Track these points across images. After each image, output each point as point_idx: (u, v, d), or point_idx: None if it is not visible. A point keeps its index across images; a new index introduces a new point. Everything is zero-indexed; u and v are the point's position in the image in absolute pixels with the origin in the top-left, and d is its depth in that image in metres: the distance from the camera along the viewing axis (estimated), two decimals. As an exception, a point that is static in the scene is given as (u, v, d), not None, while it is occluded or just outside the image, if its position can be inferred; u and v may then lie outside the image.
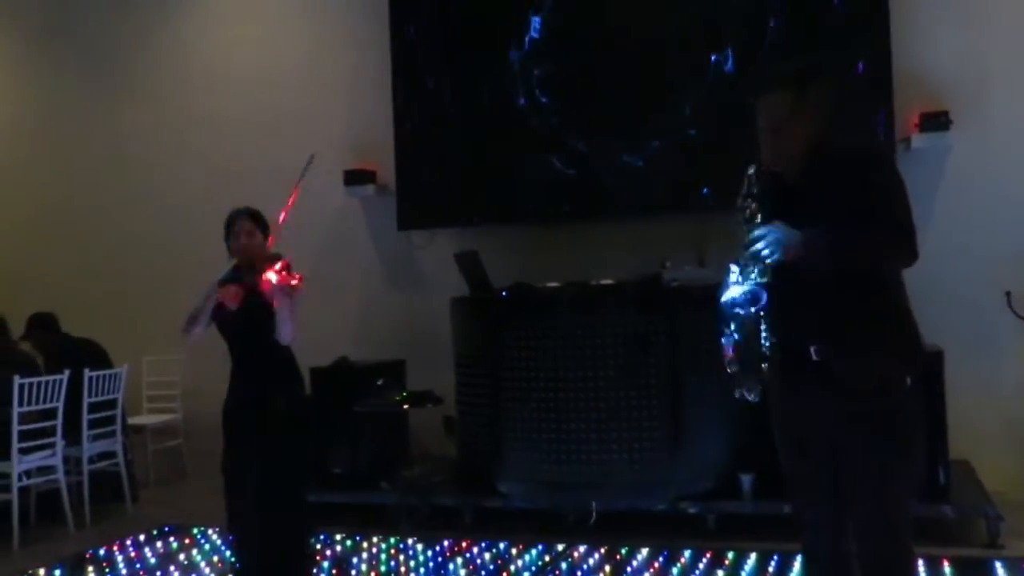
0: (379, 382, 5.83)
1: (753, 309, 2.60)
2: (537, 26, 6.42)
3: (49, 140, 8.26)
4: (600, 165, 6.23)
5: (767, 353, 2.64)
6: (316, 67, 7.32)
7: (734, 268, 2.63)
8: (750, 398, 2.67)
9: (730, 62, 6.04)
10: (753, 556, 4.70)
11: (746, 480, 5.09)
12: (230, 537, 4.17)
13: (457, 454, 6.09)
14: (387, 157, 6.85)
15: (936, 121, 5.72)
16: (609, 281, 5.56)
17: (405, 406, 5.42)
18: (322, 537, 5.30)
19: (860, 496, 2.70)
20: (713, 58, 6.04)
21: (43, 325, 6.48)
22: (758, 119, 2.77)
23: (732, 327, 2.62)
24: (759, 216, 2.64)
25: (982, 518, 4.84)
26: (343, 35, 7.24)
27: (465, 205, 6.62)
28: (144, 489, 6.79)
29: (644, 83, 6.18)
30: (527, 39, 6.44)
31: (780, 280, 2.62)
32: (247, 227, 4.07)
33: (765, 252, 2.57)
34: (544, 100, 6.41)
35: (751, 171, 2.72)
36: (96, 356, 6.42)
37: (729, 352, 2.63)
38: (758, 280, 2.58)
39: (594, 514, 5.15)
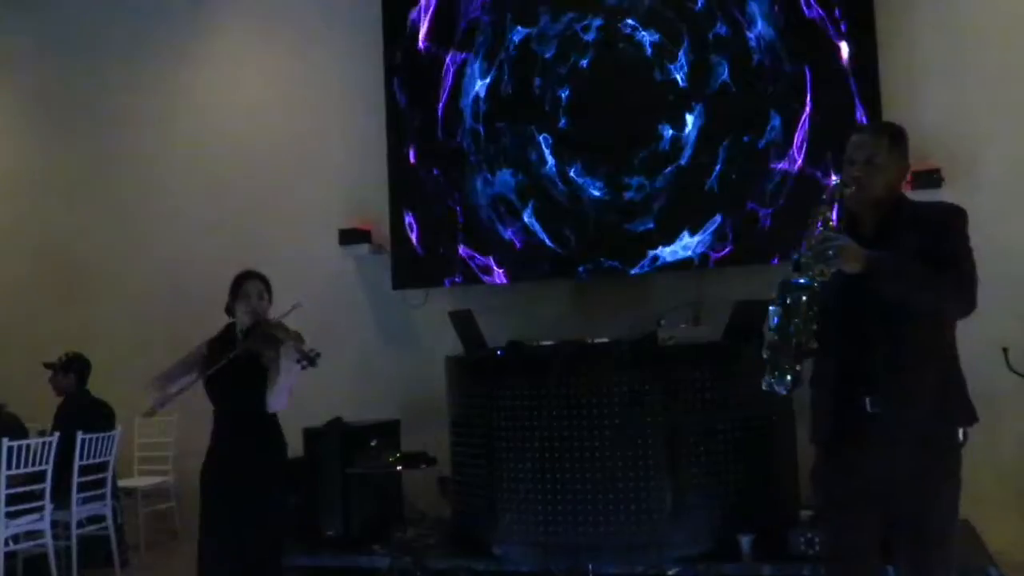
0: (372, 443, 5.78)
1: (803, 297, 2.66)
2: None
3: (50, 194, 8.25)
4: (593, 222, 6.26)
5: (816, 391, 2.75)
6: (312, 126, 7.36)
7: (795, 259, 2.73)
8: (778, 390, 2.72)
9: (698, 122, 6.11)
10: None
11: (745, 541, 5.01)
12: None
13: (452, 515, 6.01)
14: (382, 216, 6.87)
15: (928, 178, 5.74)
16: (604, 339, 5.54)
17: (398, 467, 5.37)
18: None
19: (913, 553, 2.77)
20: (689, 116, 6.11)
21: (79, 371, 6.40)
22: (853, 154, 2.88)
23: (784, 299, 2.69)
24: (830, 223, 2.75)
25: (986, 579, 4.75)
26: (339, 94, 7.30)
27: (459, 265, 6.62)
28: (134, 553, 6.67)
29: (631, 135, 6.25)
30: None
31: (839, 328, 2.73)
32: (258, 288, 4.06)
33: (831, 252, 2.65)
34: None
35: (836, 183, 2.84)
36: (105, 420, 6.34)
37: (774, 322, 2.69)
38: (817, 279, 2.67)
39: (591, 577, 5.07)
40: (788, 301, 2.69)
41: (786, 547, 4.98)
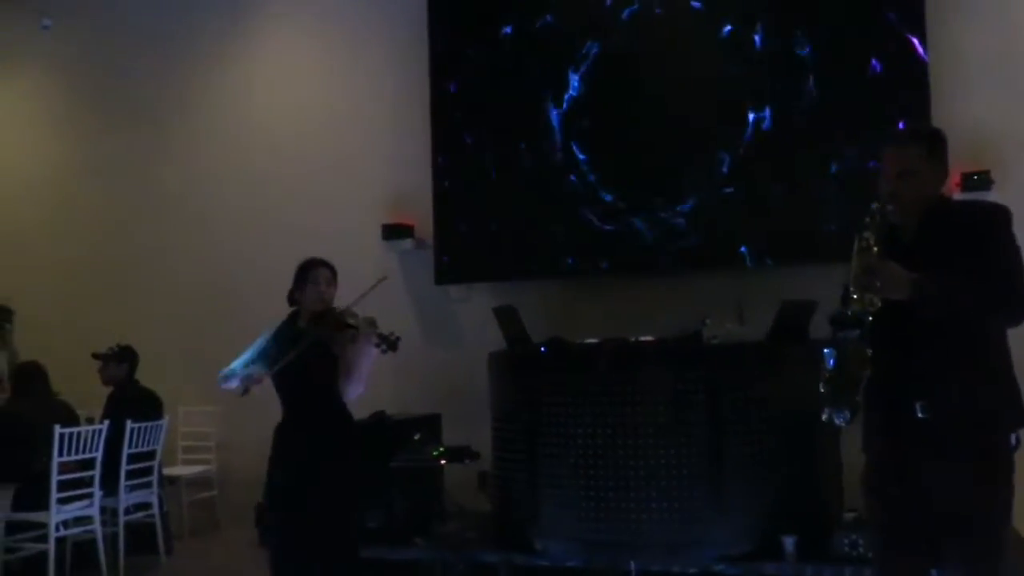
0: (416, 436, 5.81)
1: (855, 333, 2.68)
2: (576, 84, 6.51)
3: (97, 187, 8.39)
4: (638, 221, 6.26)
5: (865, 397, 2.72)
6: (355, 121, 7.44)
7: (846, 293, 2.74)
8: (838, 422, 2.75)
9: (768, 120, 6.09)
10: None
11: (789, 542, 4.99)
12: None
13: (492, 510, 6.04)
14: (425, 211, 6.92)
15: (977, 180, 5.70)
16: (649, 338, 5.54)
17: (442, 461, 5.41)
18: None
19: (962, 559, 2.76)
20: (752, 116, 6.09)
21: (131, 361, 6.54)
22: (886, 167, 2.88)
23: (837, 338, 2.72)
24: (875, 248, 2.73)
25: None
26: (382, 89, 7.37)
27: (503, 259, 6.65)
28: (178, 541, 6.77)
29: (682, 140, 6.25)
30: (566, 96, 6.53)
31: (887, 334, 2.71)
32: (326, 276, 3.97)
33: (878, 284, 2.67)
34: (582, 156, 6.48)
35: (875, 206, 2.81)
36: (154, 409, 6.44)
37: (830, 364, 2.71)
38: (865, 308, 2.68)
39: (632, 574, 5.08)
40: (841, 340, 2.71)
41: (829, 549, 4.97)
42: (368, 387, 3.95)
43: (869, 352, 2.71)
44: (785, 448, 5.19)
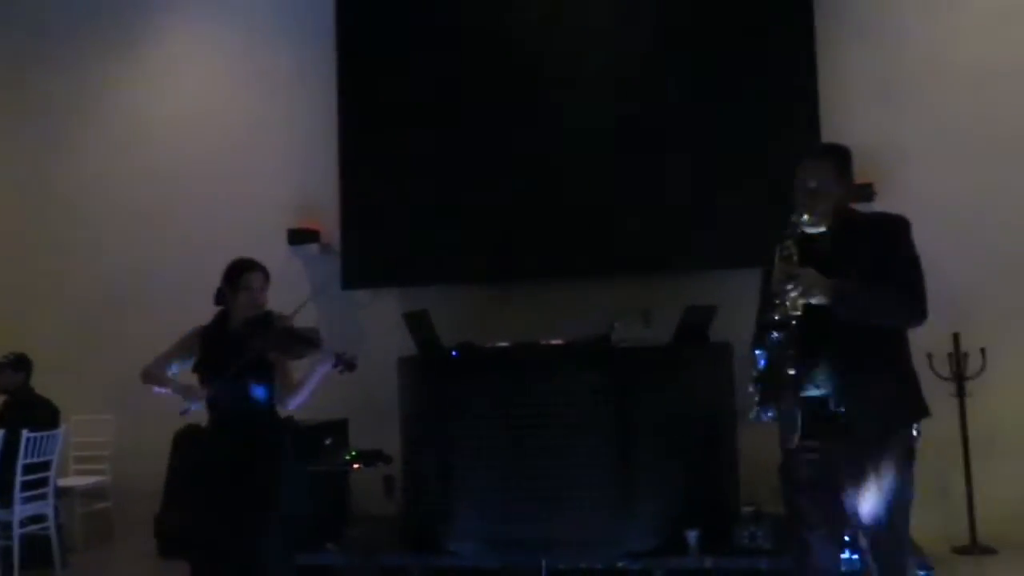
0: (327, 442, 5.80)
1: (779, 335, 2.91)
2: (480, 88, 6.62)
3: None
4: (546, 227, 6.42)
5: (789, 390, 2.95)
6: (259, 121, 7.35)
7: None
8: (764, 419, 3.00)
9: (669, 131, 6.32)
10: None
11: (692, 536, 5.21)
12: None
13: (401, 513, 6.08)
14: (331, 215, 6.91)
15: (861, 192, 6.04)
16: (559, 341, 5.69)
17: (356, 465, 5.42)
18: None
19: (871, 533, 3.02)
20: (653, 127, 6.33)
21: (27, 368, 6.37)
22: (802, 180, 3.11)
23: (765, 341, 2.94)
24: (795, 256, 2.96)
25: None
26: (289, 88, 7.31)
27: (411, 264, 6.70)
28: (72, 554, 6.54)
29: (583, 145, 6.43)
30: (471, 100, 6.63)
31: (805, 334, 2.92)
32: (260, 280, 3.95)
33: (800, 289, 2.90)
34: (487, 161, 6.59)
35: (794, 217, 3.04)
36: (51, 418, 6.26)
37: (761, 364, 2.94)
38: (789, 312, 2.91)
39: (544, 572, 5.20)
40: (770, 342, 2.94)
41: (730, 541, 5.22)
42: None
43: (792, 353, 2.92)
44: (688, 446, 5.42)
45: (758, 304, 3.32)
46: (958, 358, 5.71)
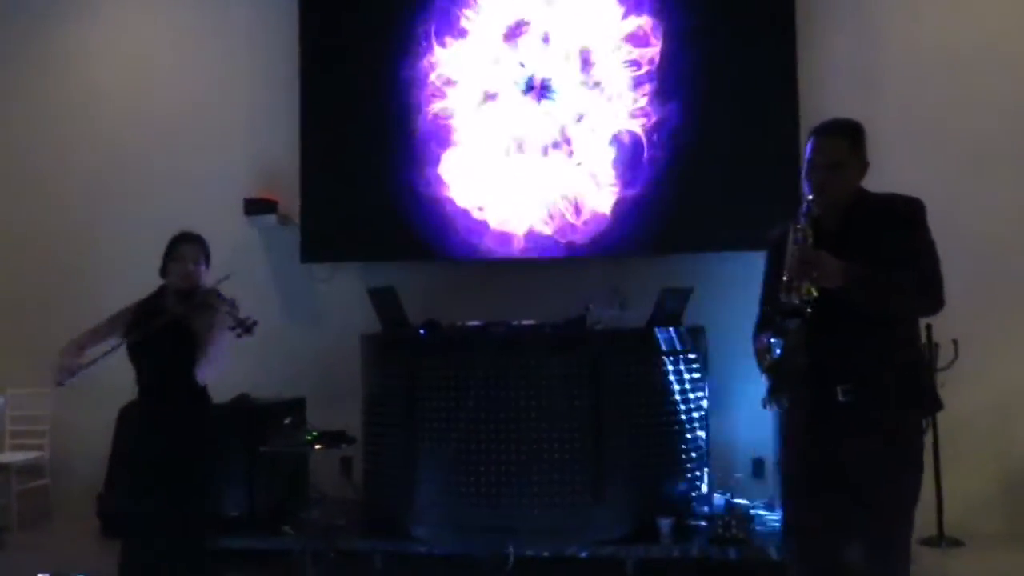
0: (286, 421, 5.56)
1: (797, 321, 2.77)
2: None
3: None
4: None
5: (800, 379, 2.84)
6: (217, 87, 6.98)
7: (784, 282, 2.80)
8: (777, 408, 2.92)
9: (649, 117, 6.16)
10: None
11: (665, 524, 5.10)
12: None
13: (361, 496, 5.87)
14: (291, 186, 6.62)
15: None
16: (531, 322, 5.52)
17: (317, 446, 5.19)
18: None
19: (875, 523, 2.89)
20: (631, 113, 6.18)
21: None
22: (816, 158, 2.96)
23: (782, 328, 2.80)
24: (810, 240, 2.82)
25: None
26: (249, 53, 6.95)
27: (373, 239, 6.46)
28: (8, 533, 6.21)
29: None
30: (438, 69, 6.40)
31: (815, 323, 2.77)
32: (193, 253, 3.86)
33: (815, 273, 2.76)
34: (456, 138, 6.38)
35: (809, 198, 2.91)
36: None
37: (777, 352, 2.78)
38: (804, 298, 2.76)
39: (511, 559, 5.05)
40: (786, 329, 2.80)
41: (702, 530, 5.12)
42: (226, 369, 3.90)
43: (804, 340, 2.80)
44: (662, 433, 5.29)
45: (761, 289, 3.18)
46: (931, 348, 5.67)
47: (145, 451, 3.80)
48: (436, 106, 6.40)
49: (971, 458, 5.78)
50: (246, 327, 3.74)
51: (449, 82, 6.40)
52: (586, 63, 6.25)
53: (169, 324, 3.75)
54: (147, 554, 3.76)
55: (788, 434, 3.03)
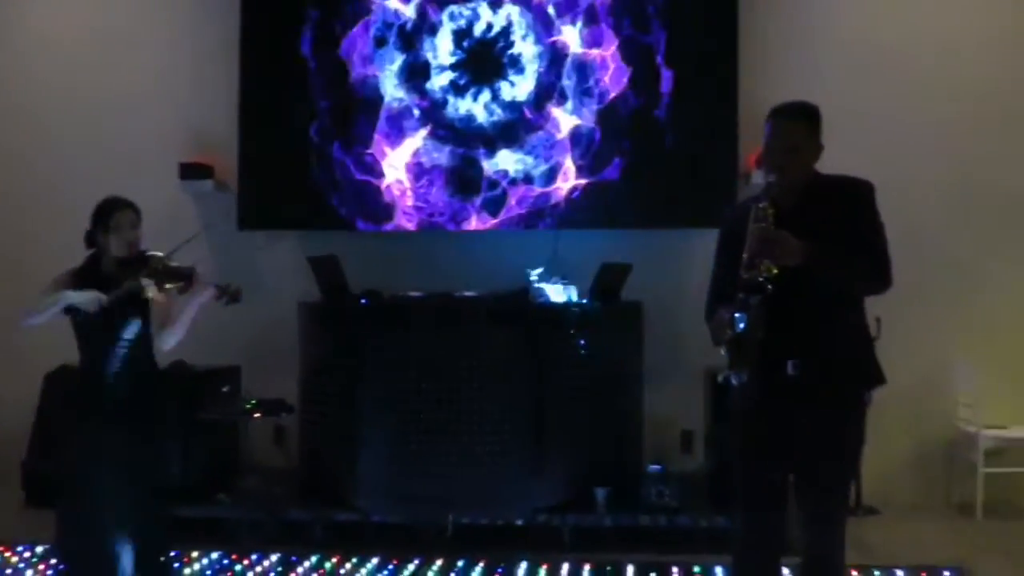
0: (224, 388, 5.52)
1: (759, 298, 2.88)
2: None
3: None
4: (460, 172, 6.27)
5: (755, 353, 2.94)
6: (149, 45, 6.78)
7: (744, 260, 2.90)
8: (734, 382, 3.01)
9: (593, 99, 6.25)
10: (608, 568, 4.84)
11: (600, 493, 5.23)
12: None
13: (299, 466, 5.87)
14: (228, 151, 6.52)
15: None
16: (472, 293, 5.56)
17: (256, 415, 5.18)
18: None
19: (818, 491, 3.05)
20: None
21: None
22: (775, 140, 3.05)
23: (745, 304, 2.90)
24: (771, 219, 2.92)
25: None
26: (192, 22, 6.78)
27: (310, 209, 6.41)
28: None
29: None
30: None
31: (769, 300, 2.89)
32: (131, 218, 3.71)
33: (776, 251, 2.87)
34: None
35: (770, 179, 3.03)
36: None
37: (740, 327, 2.89)
38: (765, 275, 2.87)
39: (450, 528, 5.13)
40: (749, 305, 2.90)
41: (639, 499, 5.27)
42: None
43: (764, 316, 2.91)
44: (600, 404, 5.41)
45: (714, 267, 3.29)
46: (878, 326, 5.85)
47: (99, 421, 3.63)
48: (369, 72, 6.38)
49: (887, 432, 6.00)
50: (232, 295, 3.70)
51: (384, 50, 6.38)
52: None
53: (123, 295, 3.61)
54: (106, 515, 3.58)
55: (739, 407, 3.13)
